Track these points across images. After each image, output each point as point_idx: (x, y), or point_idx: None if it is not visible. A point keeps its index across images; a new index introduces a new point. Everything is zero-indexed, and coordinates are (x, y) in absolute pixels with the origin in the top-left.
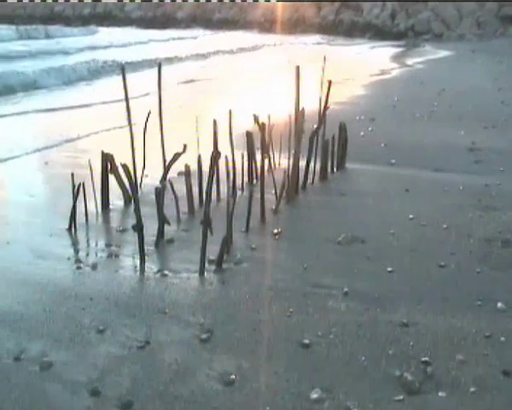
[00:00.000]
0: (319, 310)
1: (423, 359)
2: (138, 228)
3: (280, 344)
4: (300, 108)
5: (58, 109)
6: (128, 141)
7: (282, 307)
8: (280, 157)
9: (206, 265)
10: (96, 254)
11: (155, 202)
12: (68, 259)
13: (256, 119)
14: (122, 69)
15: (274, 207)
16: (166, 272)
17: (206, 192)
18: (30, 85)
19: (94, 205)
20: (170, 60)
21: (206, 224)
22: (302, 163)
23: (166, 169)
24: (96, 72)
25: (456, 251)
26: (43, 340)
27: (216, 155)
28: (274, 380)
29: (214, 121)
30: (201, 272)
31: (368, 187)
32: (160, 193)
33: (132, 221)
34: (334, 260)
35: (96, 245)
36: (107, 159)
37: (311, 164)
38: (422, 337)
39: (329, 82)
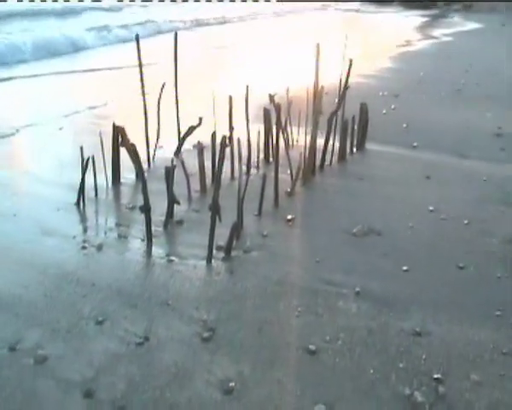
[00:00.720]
0: (329, 311)
1: (435, 376)
2: (145, 209)
3: (285, 349)
4: (320, 86)
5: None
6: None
7: (290, 306)
8: (298, 133)
9: (215, 252)
10: (103, 234)
11: (165, 180)
12: (74, 237)
13: (271, 98)
14: (136, 39)
15: (289, 189)
16: (173, 257)
17: (216, 175)
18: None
19: (104, 179)
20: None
21: (215, 210)
22: (321, 141)
23: (180, 142)
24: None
25: (476, 251)
26: (40, 329)
27: (229, 136)
28: (275, 391)
29: (230, 97)
30: (209, 259)
31: (387, 172)
32: (169, 173)
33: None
34: (347, 255)
35: (104, 223)
36: (117, 132)
37: (330, 144)
38: (436, 350)
39: (350, 61)
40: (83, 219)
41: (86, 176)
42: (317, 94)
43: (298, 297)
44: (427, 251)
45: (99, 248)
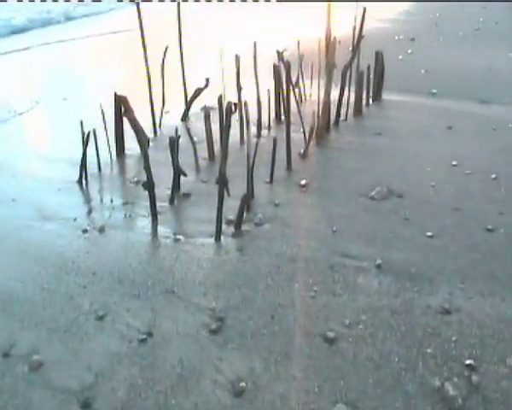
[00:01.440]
0: (347, 289)
1: (467, 362)
2: (149, 186)
3: (300, 338)
4: (332, 37)
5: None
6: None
7: (305, 285)
8: (311, 88)
9: (224, 226)
10: (106, 214)
11: (169, 152)
12: (75, 220)
13: (280, 55)
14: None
15: (302, 150)
16: (179, 236)
17: (222, 145)
18: None
19: (108, 152)
20: None
21: (222, 184)
22: (336, 94)
23: (187, 106)
24: None
25: (506, 210)
26: (36, 329)
27: (237, 99)
28: (290, 389)
29: (236, 57)
30: (217, 236)
31: (406, 124)
32: (173, 144)
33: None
34: (366, 222)
35: (106, 202)
36: (119, 102)
37: (345, 97)
38: (466, 330)
39: (364, 9)
40: (85, 198)
41: (89, 150)
42: (330, 45)
43: (314, 275)
44: (451, 213)
45: (101, 230)
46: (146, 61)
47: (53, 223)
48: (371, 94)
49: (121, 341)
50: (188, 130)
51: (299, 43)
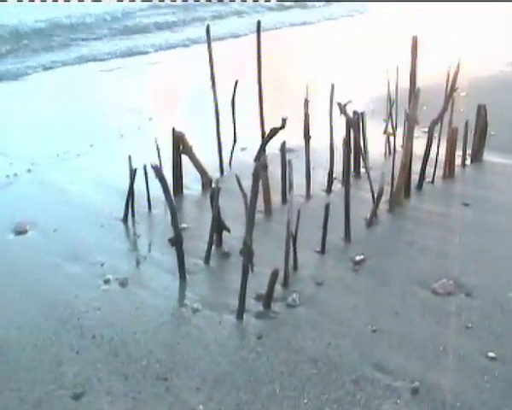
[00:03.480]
0: None
1: None
2: (176, 243)
3: None
4: (416, 88)
5: None
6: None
7: (316, 403)
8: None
9: (253, 301)
10: (135, 263)
11: (210, 204)
12: (102, 265)
13: (342, 109)
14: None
15: (368, 216)
16: (200, 305)
17: (248, 214)
18: None
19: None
20: None
21: (247, 257)
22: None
23: (261, 146)
24: None
25: None
26: (7, 395)
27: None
28: None
29: (306, 101)
30: (239, 315)
31: (506, 195)
32: (215, 194)
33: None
34: (417, 323)
35: (143, 248)
36: (177, 139)
37: (435, 155)
38: None
39: (459, 59)
40: (121, 240)
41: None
42: (413, 96)
43: (332, 388)
44: None
45: (123, 284)
46: (214, 94)
47: (79, 265)
48: (471, 154)
49: None
50: (238, 181)
51: (389, 84)
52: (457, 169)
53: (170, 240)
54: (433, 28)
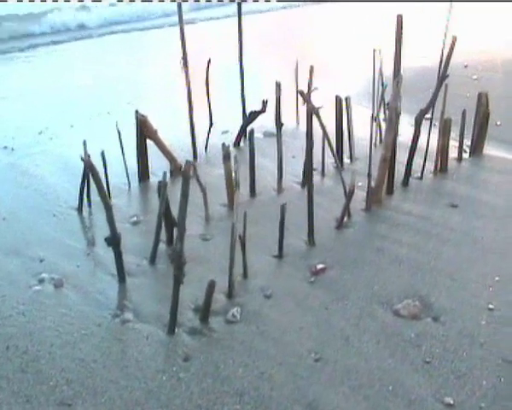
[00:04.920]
0: None
1: None
2: (113, 242)
3: None
4: (398, 75)
5: None
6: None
7: None
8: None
9: (192, 315)
10: (77, 262)
11: (158, 197)
12: (41, 261)
13: (304, 96)
14: None
15: (339, 217)
16: (131, 316)
17: (178, 219)
18: None
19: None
20: None
21: (178, 266)
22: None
23: (240, 131)
24: None
25: None
26: None
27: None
28: None
29: (277, 83)
30: (170, 329)
31: (502, 197)
32: (162, 188)
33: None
34: (370, 355)
35: (86, 244)
36: (140, 123)
37: (430, 147)
38: None
39: (454, 38)
40: (69, 233)
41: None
42: (394, 83)
43: None
44: (500, 369)
45: (57, 285)
46: (186, 75)
47: (17, 260)
48: (470, 146)
49: None
50: (194, 169)
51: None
52: (452, 163)
53: (106, 239)
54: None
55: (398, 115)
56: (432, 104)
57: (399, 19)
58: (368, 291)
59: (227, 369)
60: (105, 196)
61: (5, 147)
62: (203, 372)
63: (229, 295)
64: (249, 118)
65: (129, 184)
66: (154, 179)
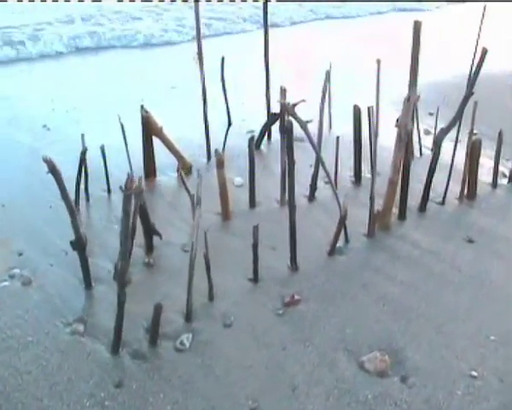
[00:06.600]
0: None
1: None
2: (78, 247)
3: None
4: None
5: None
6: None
7: None
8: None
9: (144, 333)
10: (52, 260)
11: (134, 205)
12: (20, 255)
13: (284, 108)
14: None
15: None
16: (83, 327)
17: (121, 241)
18: None
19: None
20: None
21: (120, 283)
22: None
23: (261, 133)
24: None
25: None
26: None
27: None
28: None
29: (282, 89)
30: (114, 349)
31: None
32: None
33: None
34: None
35: (67, 241)
36: (144, 120)
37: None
38: None
39: (483, 50)
40: (57, 227)
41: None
42: (405, 102)
43: None
44: None
45: (25, 283)
46: (201, 73)
47: (1, 251)
48: None
49: None
50: (181, 174)
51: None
52: (485, 189)
53: (71, 243)
54: None
55: (408, 134)
56: (455, 123)
57: (417, 25)
58: (337, 334)
59: (154, 405)
60: (68, 200)
61: (44, 125)
62: (129, 405)
63: (187, 318)
64: (270, 120)
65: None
66: (162, 178)
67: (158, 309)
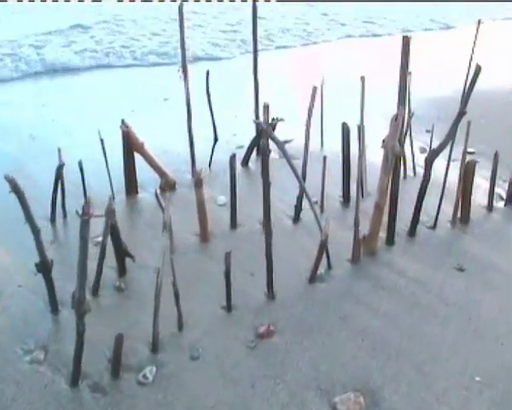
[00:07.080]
0: None
1: None
2: (44, 270)
3: None
4: (398, 109)
5: None
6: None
7: None
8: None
9: (104, 365)
10: (19, 280)
11: (105, 226)
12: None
13: (268, 130)
14: None
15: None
16: (43, 355)
17: (79, 263)
18: None
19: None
20: None
21: (79, 317)
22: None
23: (248, 149)
24: None
25: None
26: None
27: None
28: None
29: (265, 106)
30: (73, 382)
31: None
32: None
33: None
34: None
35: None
36: (127, 138)
37: (454, 192)
38: None
39: (477, 67)
40: (27, 248)
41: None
42: (394, 120)
43: None
44: None
45: None
46: (186, 87)
47: None
48: (508, 193)
49: None
50: (156, 194)
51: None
52: (480, 212)
53: (36, 265)
54: None
55: (397, 155)
56: (446, 143)
57: (406, 40)
58: (311, 371)
59: None
60: (32, 221)
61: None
62: None
63: (153, 348)
64: (259, 136)
65: (113, 198)
66: (143, 195)
67: (119, 340)
